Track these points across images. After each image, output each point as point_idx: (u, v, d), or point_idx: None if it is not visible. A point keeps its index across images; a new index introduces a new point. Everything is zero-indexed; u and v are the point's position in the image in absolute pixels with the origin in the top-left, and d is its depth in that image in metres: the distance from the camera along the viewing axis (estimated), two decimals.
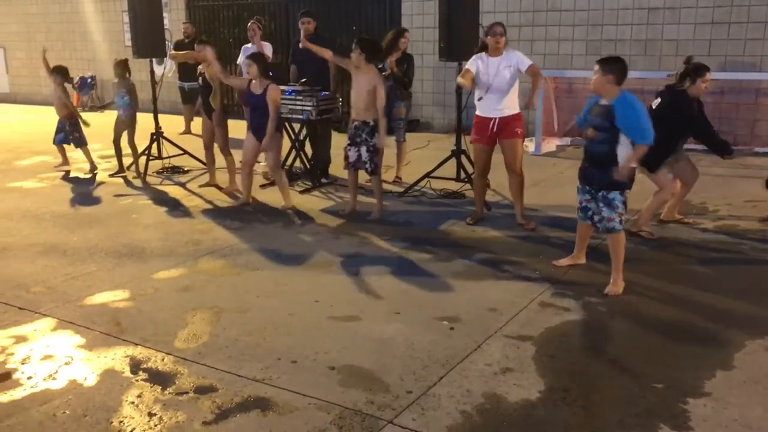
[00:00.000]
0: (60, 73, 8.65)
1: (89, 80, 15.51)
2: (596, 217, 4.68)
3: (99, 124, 8.70)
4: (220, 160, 7.63)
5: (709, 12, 9.48)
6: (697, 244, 5.59)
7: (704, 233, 5.83)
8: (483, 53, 5.96)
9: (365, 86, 6.15)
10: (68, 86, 8.96)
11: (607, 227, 4.61)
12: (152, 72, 8.85)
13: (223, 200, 7.23)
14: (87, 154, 8.77)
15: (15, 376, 3.58)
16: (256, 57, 6.79)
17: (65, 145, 8.83)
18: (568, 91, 10.09)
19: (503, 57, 5.89)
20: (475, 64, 5.95)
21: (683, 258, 5.29)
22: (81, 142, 8.76)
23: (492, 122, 5.95)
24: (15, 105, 16.76)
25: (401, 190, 7.40)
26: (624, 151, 4.44)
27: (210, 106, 7.37)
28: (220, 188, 7.68)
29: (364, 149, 6.24)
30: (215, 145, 7.62)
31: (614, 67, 4.45)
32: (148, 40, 8.37)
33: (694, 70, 5.56)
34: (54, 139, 8.80)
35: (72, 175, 8.67)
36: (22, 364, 3.75)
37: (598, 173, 4.57)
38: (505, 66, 5.86)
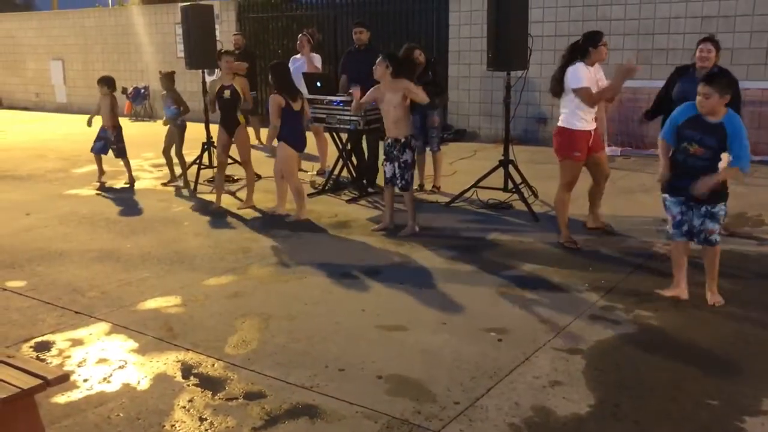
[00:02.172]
0: (107, 83, 8.76)
1: (143, 90, 15.93)
2: (694, 230, 4.48)
3: (149, 133, 8.87)
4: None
5: (765, 20, 9.24)
6: (754, 257, 5.44)
7: (761, 247, 5.67)
8: (584, 62, 5.60)
9: (392, 102, 6.08)
10: (122, 96, 9.09)
11: (708, 239, 4.44)
12: (204, 82, 9.03)
13: (270, 207, 7.29)
14: (127, 165, 8.83)
15: (72, 378, 3.67)
16: (272, 66, 6.95)
17: (103, 155, 8.84)
18: (618, 100, 9.93)
19: (595, 68, 5.71)
20: (588, 75, 5.57)
21: (739, 272, 5.15)
22: (122, 153, 8.77)
23: (590, 135, 5.74)
24: (72, 115, 17.30)
25: (447, 199, 7.39)
26: (721, 165, 4.36)
27: (232, 121, 7.37)
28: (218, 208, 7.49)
29: (396, 165, 6.21)
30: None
31: (726, 84, 4.29)
32: (200, 51, 8.56)
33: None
34: (93, 147, 8.81)
35: (114, 185, 8.75)
36: (79, 366, 3.86)
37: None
38: (600, 77, 5.74)
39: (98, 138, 8.80)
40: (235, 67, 9.63)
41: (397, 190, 6.35)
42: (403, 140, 6.16)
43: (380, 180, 8.04)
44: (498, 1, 6.72)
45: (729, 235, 5.95)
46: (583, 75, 5.53)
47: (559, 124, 5.78)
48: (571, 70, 5.56)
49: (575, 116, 5.63)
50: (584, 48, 5.61)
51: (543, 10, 10.66)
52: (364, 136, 7.99)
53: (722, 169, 4.32)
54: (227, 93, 7.37)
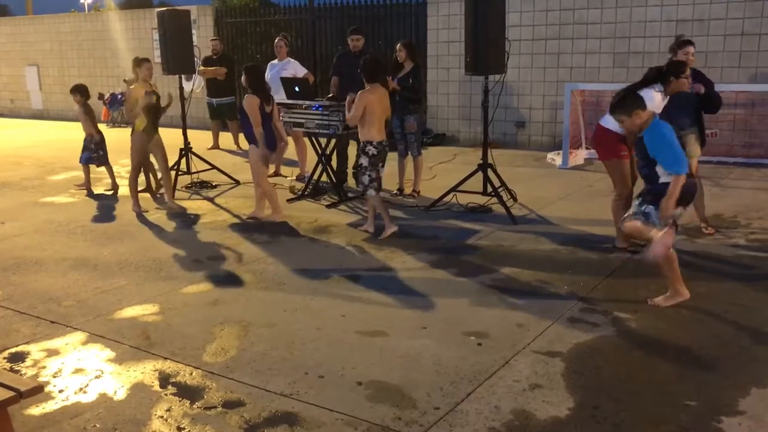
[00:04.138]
0: (79, 91, 8.66)
1: (119, 96, 15.78)
2: None
3: (126, 139, 8.75)
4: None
5: (738, 23, 9.38)
6: (730, 259, 5.50)
7: (737, 248, 5.73)
8: (662, 89, 5.43)
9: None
10: (99, 102, 9.00)
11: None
12: (181, 88, 8.97)
13: (248, 213, 7.25)
14: (110, 172, 8.77)
15: (47, 389, 3.62)
16: (247, 69, 7.00)
17: (91, 165, 8.77)
18: (596, 103, 10.03)
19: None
20: (656, 105, 5.35)
21: (716, 273, 5.20)
22: (103, 161, 8.72)
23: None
24: (48, 121, 17.11)
25: (427, 204, 7.40)
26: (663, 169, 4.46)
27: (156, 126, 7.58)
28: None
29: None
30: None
31: (629, 103, 4.47)
32: (177, 56, 8.50)
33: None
34: (80, 158, 8.75)
35: (95, 192, 8.66)
36: (54, 377, 3.80)
37: (646, 187, 4.62)
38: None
39: (84, 147, 8.71)
40: (212, 72, 9.55)
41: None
42: (360, 144, 6.33)
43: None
44: (475, 6, 6.74)
45: (708, 233, 6.04)
46: (652, 103, 5.26)
47: (605, 125, 5.57)
48: (644, 94, 5.20)
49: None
50: (666, 77, 5.41)
51: (520, 14, 10.73)
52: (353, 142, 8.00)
53: (669, 188, 4.36)
54: (153, 98, 7.45)
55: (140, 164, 7.69)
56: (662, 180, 4.46)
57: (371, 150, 6.22)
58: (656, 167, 4.47)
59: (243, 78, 6.91)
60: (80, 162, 8.78)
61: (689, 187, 4.47)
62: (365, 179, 6.26)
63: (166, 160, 7.72)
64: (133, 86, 7.46)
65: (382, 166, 6.41)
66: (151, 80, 7.59)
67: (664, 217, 4.35)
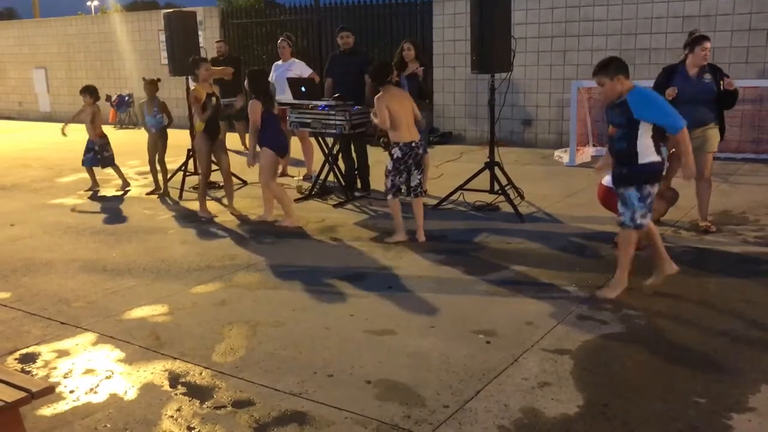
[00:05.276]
0: (89, 92, 8.70)
1: (127, 98, 15.85)
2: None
3: (133, 141, 8.83)
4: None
5: (746, 19, 9.34)
6: (739, 255, 5.48)
7: (745, 245, 5.71)
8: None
9: None
10: (106, 104, 9.02)
11: (617, 220, 4.65)
12: (188, 89, 8.96)
13: (258, 215, 7.27)
14: (117, 171, 8.83)
15: (58, 389, 3.64)
16: (250, 73, 6.96)
17: (94, 168, 8.79)
18: (603, 101, 10.00)
19: None
20: None
21: (724, 270, 5.18)
22: (109, 161, 8.76)
23: None
24: (56, 123, 17.17)
25: (434, 202, 7.40)
26: (644, 144, 4.39)
27: (217, 128, 7.43)
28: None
29: None
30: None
31: (613, 67, 4.44)
32: (183, 58, 8.51)
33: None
34: (83, 160, 8.75)
35: (102, 193, 8.72)
36: (65, 378, 3.82)
37: (618, 169, 4.55)
38: None
39: (86, 149, 8.73)
40: (219, 72, 9.59)
41: (407, 197, 6.26)
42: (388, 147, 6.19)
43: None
44: (481, 4, 6.73)
45: (710, 231, 6.00)
46: None
47: (607, 184, 5.49)
48: None
49: None
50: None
51: (526, 12, 10.72)
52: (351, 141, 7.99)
53: (682, 150, 4.46)
54: (213, 100, 7.36)
55: (208, 167, 7.50)
56: (644, 160, 4.40)
57: (396, 152, 5.96)
58: (637, 141, 4.37)
59: (246, 82, 6.88)
60: (84, 165, 8.79)
61: (658, 166, 4.48)
62: (387, 183, 6.04)
63: (227, 164, 7.54)
64: (193, 87, 7.46)
65: (415, 169, 6.05)
66: (210, 81, 7.52)
67: (688, 176, 4.47)
